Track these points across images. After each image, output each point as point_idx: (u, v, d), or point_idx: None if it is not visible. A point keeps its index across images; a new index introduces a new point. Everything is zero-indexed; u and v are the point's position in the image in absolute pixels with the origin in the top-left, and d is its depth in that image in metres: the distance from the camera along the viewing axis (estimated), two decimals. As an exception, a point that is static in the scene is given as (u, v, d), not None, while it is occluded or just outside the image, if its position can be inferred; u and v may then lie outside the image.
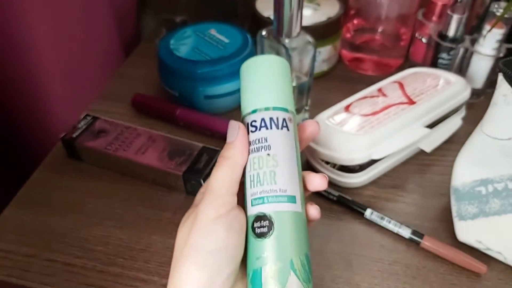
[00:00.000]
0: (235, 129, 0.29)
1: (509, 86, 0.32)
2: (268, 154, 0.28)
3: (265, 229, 0.27)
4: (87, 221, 0.41)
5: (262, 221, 0.27)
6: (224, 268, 0.27)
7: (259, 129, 0.29)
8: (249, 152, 0.29)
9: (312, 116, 0.44)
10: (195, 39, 0.51)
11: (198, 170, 0.41)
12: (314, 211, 0.29)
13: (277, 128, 0.29)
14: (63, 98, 0.54)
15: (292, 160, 0.29)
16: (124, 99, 0.54)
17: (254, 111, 0.30)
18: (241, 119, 0.31)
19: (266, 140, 0.29)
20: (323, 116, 0.43)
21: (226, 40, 0.51)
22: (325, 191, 0.42)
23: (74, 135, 0.45)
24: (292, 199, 0.27)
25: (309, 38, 0.42)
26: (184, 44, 0.50)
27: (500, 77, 0.33)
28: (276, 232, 0.27)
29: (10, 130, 0.57)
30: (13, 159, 0.59)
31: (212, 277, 0.26)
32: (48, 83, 0.52)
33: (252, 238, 0.28)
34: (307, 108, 0.48)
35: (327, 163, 0.42)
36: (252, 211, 0.28)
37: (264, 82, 0.31)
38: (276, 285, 0.26)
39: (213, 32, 0.52)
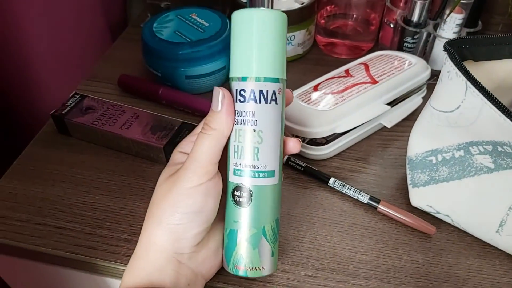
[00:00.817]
0: (220, 98, 0.29)
1: (451, 63, 0.35)
2: (254, 130, 0.29)
3: (244, 199, 0.30)
4: (76, 189, 0.44)
5: (241, 192, 0.30)
6: (196, 227, 0.30)
7: (248, 101, 0.29)
8: (234, 121, 0.29)
9: (284, 95, 0.48)
10: (177, 23, 0.54)
11: (178, 143, 0.45)
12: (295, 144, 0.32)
13: (266, 102, 0.29)
14: (53, 79, 0.58)
15: (277, 135, 0.30)
16: (110, 79, 0.57)
17: (244, 79, 0.29)
18: (229, 79, 0.30)
19: (253, 114, 0.29)
20: (294, 94, 0.47)
21: (206, 24, 0.54)
22: (293, 162, 0.45)
23: (63, 112, 0.48)
24: (271, 174, 0.30)
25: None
26: (166, 27, 0.54)
27: (445, 55, 0.36)
28: (253, 203, 0.30)
29: (3, 108, 0.60)
30: (7, 135, 0.63)
31: (184, 232, 0.30)
32: (39, 64, 0.55)
33: (231, 203, 0.31)
34: (280, 87, 0.52)
35: (297, 137, 0.46)
36: (234, 179, 0.30)
37: (259, 45, 0.28)
38: (249, 247, 0.30)
39: (194, 16, 0.55)
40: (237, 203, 0.30)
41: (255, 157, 0.29)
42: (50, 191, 0.44)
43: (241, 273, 0.31)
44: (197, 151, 0.30)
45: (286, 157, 0.46)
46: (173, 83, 0.53)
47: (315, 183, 0.45)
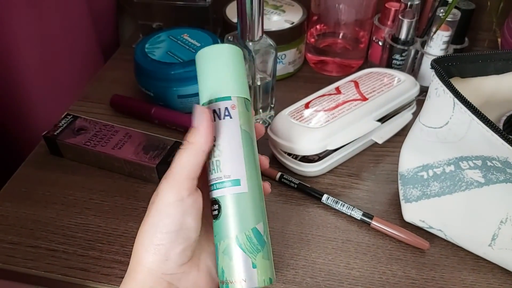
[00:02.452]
0: (200, 114, 0.30)
1: (439, 81, 0.36)
2: (214, 145, 0.31)
3: (216, 212, 0.31)
4: (68, 211, 0.44)
5: (214, 205, 0.31)
6: (179, 244, 0.30)
7: None
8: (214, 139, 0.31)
9: (276, 113, 0.49)
10: (169, 43, 0.55)
11: (171, 162, 0.45)
12: (266, 185, 0.34)
13: (220, 118, 0.31)
14: (45, 100, 0.58)
15: (237, 145, 0.31)
16: (103, 100, 0.57)
17: (204, 105, 0.32)
18: None
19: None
20: (285, 112, 0.48)
21: (198, 44, 0.55)
22: (287, 179, 0.46)
23: (55, 133, 0.48)
24: (236, 182, 0.31)
25: (270, 41, 0.46)
26: (158, 47, 0.54)
27: (432, 73, 0.37)
28: (222, 214, 0.31)
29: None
30: (-1, 156, 0.62)
31: (167, 252, 0.29)
32: (31, 85, 0.56)
33: (212, 219, 0.32)
34: (272, 105, 0.52)
35: (289, 154, 0.47)
36: (211, 195, 0.32)
37: (206, 74, 0.33)
38: (225, 258, 0.30)
39: (186, 36, 0.56)
40: (213, 217, 0.31)
41: (217, 169, 0.31)
42: (42, 213, 0.44)
43: (222, 286, 0.31)
44: (174, 166, 0.30)
45: (279, 174, 0.46)
46: (165, 102, 0.53)
47: (309, 200, 0.45)
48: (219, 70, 0.32)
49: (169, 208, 0.29)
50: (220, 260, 0.31)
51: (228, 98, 0.32)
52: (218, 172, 0.31)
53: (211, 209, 0.32)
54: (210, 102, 0.32)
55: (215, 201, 0.31)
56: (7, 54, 0.52)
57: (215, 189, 0.31)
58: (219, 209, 0.31)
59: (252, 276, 0.30)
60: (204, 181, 0.32)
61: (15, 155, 0.57)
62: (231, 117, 0.31)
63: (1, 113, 0.58)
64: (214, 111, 0.31)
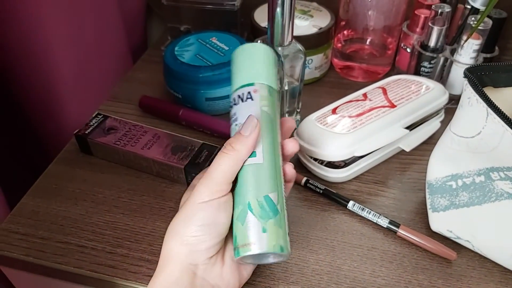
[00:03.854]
0: (252, 125, 0.32)
1: (472, 90, 0.36)
2: (236, 125, 0.35)
3: (235, 183, 0.33)
4: (97, 208, 0.45)
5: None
6: (211, 239, 0.31)
7: (232, 107, 0.36)
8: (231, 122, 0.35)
9: (303, 118, 0.49)
10: (197, 46, 0.56)
11: (199, 164, 0.45)
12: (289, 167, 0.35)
13: (242, 101, 0.35)
14: (77, 99, 0.59)
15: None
16: (132, 100, 0.58)
17: (231, 93, 0.37)
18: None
19: (235, 114, 0.35)
20: (312, 117, 0.48)
21: (226, 48, 0.55)
22: (312, 184, 0.46)
23: (86, 132, 0.49)
24: (252, 155, 0.33)
25: (299, 46, 0.46)
26: (187, 50, 0.55)
27: (465, 82, 0.37)
28: (238, 183, 0.33)
29: (29, 127, 0.62)
30: (31, 154, 0.64)
31: (199, 244, 0.31)
32: (63, 85, 0.57)
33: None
34: (298, 110, 0.53)
35: (315, 159, 0.47)
36: None
37: (237, 67, 0.38)
38: (238, 224, 0.32)
39: (214, 40, 0.57)
40: (232, 188, 0.33)
41: None
42: (72, 209, 0.45)
43: (235, 254, 0.32)
44: (215, 168, 0.31)
45: (304, 179, 0.46)
46: (193, 104, 0.54)
47: (334, 206, 0.45)
48: (247, 62, 0.37)
49: (204, 205, 0.31)
50: (234, 228, 0.32)
51: (252, 84, 0.36)
52: None
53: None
54: (237, 89, 0.36)
55: None
56: (42, 55, 0.54)
57: None
58: (236, 179, 0.33)
59: (261, 239, 0.31)
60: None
61: (47, 153, 0.59)
62: (252, 99, 0.35)
63: (35, 112, 0.60)
64: (239, 96, 0.36)
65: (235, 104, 0.36)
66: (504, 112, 0.34)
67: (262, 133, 0.34)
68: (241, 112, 0.35)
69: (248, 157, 0.33)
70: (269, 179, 0.33)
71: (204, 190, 0.31)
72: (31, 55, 0.54)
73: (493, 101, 0.34)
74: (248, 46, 0.38)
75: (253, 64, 0.37)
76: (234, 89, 0.37)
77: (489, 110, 0.34)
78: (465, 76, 0.36)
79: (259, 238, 0.31)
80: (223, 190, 0.31)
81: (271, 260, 0.34)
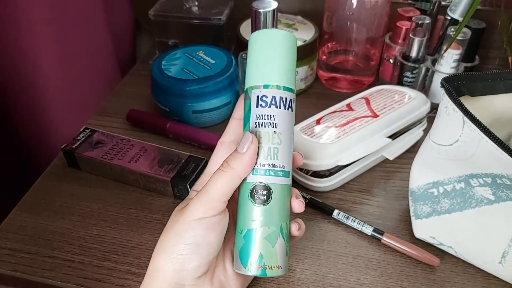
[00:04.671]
0: (248, 142, 0.30)
1: (448, 99, 0.37)
2: (275, 132, 0.31)
3: (264, 198, 0.31)
4: (84, 222, 0.45)
5: (262, 190, 0.31)
6: (197, 259, 0.31)
7: (269, 106, 0.31)
8: (255, 124, 0.31)
9: (288, 128, 0.50)
10: (184, 60, 0.57)
11: (185, 176, 0.46)
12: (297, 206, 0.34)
13: (285, 108, 0.32)
14: (65, 113, 0.60)
15: (291, 140, 0.33)
16: (120, 114, 0.59)
17: (266, 86, 0.31)
18: (246, 89, 0.33)
19: (274, 118, 0.31)
20: (297, 128, 0.49)
21: (213, 61, 0.56)
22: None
23: (73, 146, 0.50)
24: (287, 174, 0.32)
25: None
26: (174, 64, 0.56)
27: (442, 91, 0.38)
28: (272, 201, 0.31)
29: (16, 142, 0.62)
30: (19, 168, 0.64)
31: (184, 263, 0.30)
32: (51, 99, 0.58)
33: (249, 202, 0.31)
34: (284, 121, 0.53)
35: (301, 169, 0.47)
36: (253, 179, 0.31)
37: (279, 58, 0.32)
38: (268, 244, 0.31)
39: (201, 54, 0.58)
40: (257, 201, 0.31)
41: (275, 157, 0.31)
42: (60, 224, 0.45)
43: (259, 272, 0.31)
44: (211, 186, 0.31)
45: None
46: (180, 117, 0.55)
47: (320, 215, 0.45)
48: (288, 59, 0.32)
49: (196, 223, 0.30)
50: (259, 245, 0.31)
51: (292, 90, 0.32)
52: (274, 160, 0.31)
53: (251, 192, 0.31)
54: (278, 87, 0.31)
55: (266, 187, 0.31)
56: (31, 70, 0.55)
57: (267, 175, 0.31)
58: (268, 195, 0.31)
59: (285, 263, 0.32)
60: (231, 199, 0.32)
61: (35, 167, 0.59)
62: (292, 110, 0.32)
63: (23, 126, 0.60)
64: (281, 99, 0.31)
65: (274, 105, 0.31)
66: (479, 120, 0.35)
67: (292, 153, 0.32)
68: (283, 121, 0.31)
69: (284, 176, 0.31)
70: (290, 202, 0.33)
71: (198, 207, 0.30)
72: (19, 70, 0.55)
73: (468, 109, 0.35)
74: (283, 35, 0.32)
75: (292, 64, 0.32)
76: (272, 83, 0.31)
77: (465, 118, 0.35)
78: (442, 86, 0.38)
79: (285, 261, 0.32)
80: (217, 208, 0.30)
81: None
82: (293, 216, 0.34)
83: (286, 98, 0.31)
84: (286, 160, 0.32)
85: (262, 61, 0.32)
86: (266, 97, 0.31)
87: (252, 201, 0.31)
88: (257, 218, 0.31)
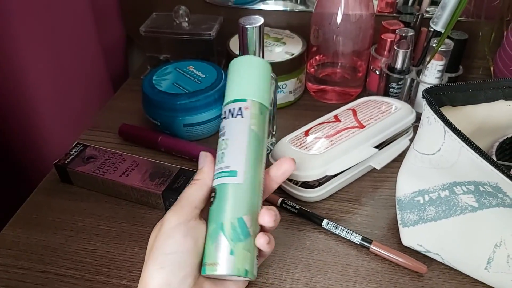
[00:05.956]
0: (204, 158, 0.36)
1: (430, 109, 0.38)
2: (223, 139, 0.35)
3: (212, 199, 0.34)
4: (76, 237, 0.46)
5: (212, 193, 0.35)
6: (180, 270, 0.31)
7: (222, 120, 0.36)
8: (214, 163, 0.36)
9: (278, 140, 0.50)
10: (175, 75, 0.58)
11: (176, 189, 0.46)
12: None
13: (232, 116, 0.35)
14: (57, 129, 0.60)
15: (242, 141, 0.35)
16: (112, 128, 0.60)
17: (224, 105, 0.37)
18: None
19: (224, 128, 0.36)
20: (286, 139, 0.49)
21: (203, 76, 0.57)
22: (288, 204, 0.47)
23: (66, 161, 0.50)
24: (233, 173, 0.33)
25: (271, 73, 0.48)
26: (165, 79, 0.57)
27: (424, 102, 0.39)
28: (216, 201, 0.34)
29: (9, 158, 0.62)
30: (12, 184, 0.64)
31: (169, 277, 0.31)
32: (43, 115, 0.58)
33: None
34: (274, 133, 0.54)
35: (290, 180, 0.48)
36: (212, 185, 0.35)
37: (231, 80, 0.38)
38: (208, 242, 0.33)
39: (191, 68, 0.59)
40: (209, 204, 0.34)
41: (220, 160, 0.35)
42: (52, 239, 0.46)
43: (202, 270, 0.33)
44: (181, 197, 0.34)
45: (280, 199, 0.48)
46: (171, 131, 0.56)
47: (309, 225, 0.46)
48: (243, 76, 0.37)
49: (172, 230, 0.32)
50: (205, 244, 0.33)
51: (244, 100, 0.36)
52: (220, 163, 0.35)
53: (211, 196, 0.35)
54: (228, 102, 0.36)
55: (214, 189, 0.34)
56: (22, 85, 0.55)
57: (216, 178, 0.35)
58: (214, 196, 0.34)
59: (228, 261, 0.32)
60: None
61: (27, 183, 0.59)
62: (242, 116, 0.35)
63: (15, 142, 0.61)
64: (230, 111, 0.36)
65: (225, 117, 0.36)
66: (459, 129, 0.36)
67: (247, 153, 0.34)
68: (229, 128, 0.35)
69: (229, 176, 0.34)
70: (246, 201, 0.33)
71: (172, 215, 0.33)
72: (11, 85, 0.55)
73: (449, 119, 0.36)
74: (245, 59, 0.38)
75: (248, 79, 0.37)
76: (226, 102, 0.37)
77: (446, 128, 0.36)
78: (423, 97, 0.39)
79: (227, 260, 0.32)
80: (191, 213, 0.33)
81: (235, 279, 0.34)
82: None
83: (234, 108, 0.36)
84: (234, 160, 0.34)
85: (226, 88, 0.38)
86: (222, 113, 0.37)
87: (210, 204, 0.34)
88: (209, 219, 0.34)
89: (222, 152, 0.35)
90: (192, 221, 0.32)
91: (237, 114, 0.35)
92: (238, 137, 0.35)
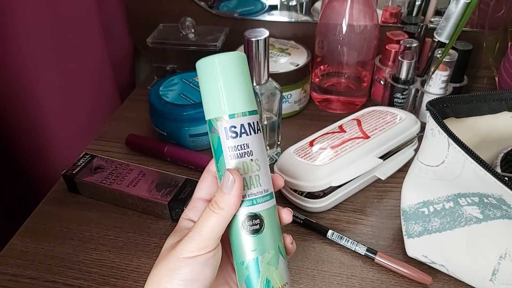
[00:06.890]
0: (231, 181, 0.30)
1: (433, 122, 0.38)
2: (251, 160, 0.31)
3: (257, 227, 0.31)
4: (84, 247, 0.46)
5: (254, 220, 0.31)
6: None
7: (240, 136, 0.30)
8: (233, 157, 0.30)
9: (283, 150, 0.51)
10: (181, 86, 0.58)
11: (182, 199, 0.47)
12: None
13: (255, 132, 0.31)
14: (65, 139, 0.61)
15: (266, 159, 0.32)
16: (119, 139, 0.60)
17: (232, 116, 0.30)
18: (210, 121, 0.31)
19: (248, 146, 0.30)
20: (291, 150, 0.50)
21: (208, 86, 0.58)
22: (293, 215, 0.47)
23: (74, 172, 0.51)
24: (271, 196, 0.32)
25: (275, 84, 0.49)
26: (171, 90, 0.58)
27: (428, 114, 0.39)
28: (265, 227, 0.31)
29: (18, 168, 0.63)
30: (21, 194, 0.65)
31: None
32: (52, 126, 0.59)
33: (244, 234, 0.31)
34: (279, 143, 0.55)
35: (295, 191, 0.48)
36: (242, 211, 0.31)
37: (235, 83, 0.30)
38: (272, 268, 0.32)
39: (197, 79, 0.59)
40: (252, 232, 0.31)
41: (257, 184, 0.31)
42: (60, 249, 0.46)
43: None
44: (203, 225, 0.31)
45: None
46: (177, 141, 0.56)
47: (314, 235, 0.46)
48: (244, 82, 0.31)
49: (191, 260, 0.30)
50: (264, 271, 0.31)
51: (256, 112, 0.31)
52: (258, 187, 0.31)
53: (243, 225, 0.31)
54: (243, 114, 0.30)
55: (255, 216, 0.31)
56: (31, 97, 0.56)
57: (254, 204, 0.31)
58: (261, 223, 0.31)
59: (289, 278, 0.33)
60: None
61: (36, 193, 0.60)
62: (260, 131, 0.32)
63: (24, 153, 0.62)
64: (250, 126, 0.31)
65: (245, 133, 0.31)
66: (463, 142, 0.36)
67: (269, 173, 0.32)
68: (255, 146, 0.31)
69: (269, 199, 0.32)
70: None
71: (191, 245, 0.30)
72: (20, 97, 0.56)
73: (452, 131, 0.37)
74: (233, 57, 0.30)
75: (248, 84, 0.31)
76: (236, 111, 0.30)
77: (450, 140, 0.36)
78: (427, 109, 0.39)
79: (289, 277, 0.33)
80: (211, 246, 0.31)
81: None
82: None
83: (253, 122, 0.31)
84: (268, 182, 0.32)
85: (219, 90, 0.30)
86: (235, 127, 0.30)
87: (247, 232, 0.31)
88: (255, 247, 0.31)
89: (257, 175, 0.31)
90: (212, 251, 0.31)
91: (258, 130, 0.31)
92: (264, 155, 0.32)
